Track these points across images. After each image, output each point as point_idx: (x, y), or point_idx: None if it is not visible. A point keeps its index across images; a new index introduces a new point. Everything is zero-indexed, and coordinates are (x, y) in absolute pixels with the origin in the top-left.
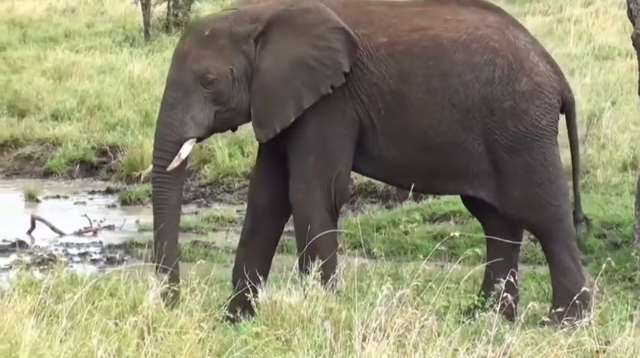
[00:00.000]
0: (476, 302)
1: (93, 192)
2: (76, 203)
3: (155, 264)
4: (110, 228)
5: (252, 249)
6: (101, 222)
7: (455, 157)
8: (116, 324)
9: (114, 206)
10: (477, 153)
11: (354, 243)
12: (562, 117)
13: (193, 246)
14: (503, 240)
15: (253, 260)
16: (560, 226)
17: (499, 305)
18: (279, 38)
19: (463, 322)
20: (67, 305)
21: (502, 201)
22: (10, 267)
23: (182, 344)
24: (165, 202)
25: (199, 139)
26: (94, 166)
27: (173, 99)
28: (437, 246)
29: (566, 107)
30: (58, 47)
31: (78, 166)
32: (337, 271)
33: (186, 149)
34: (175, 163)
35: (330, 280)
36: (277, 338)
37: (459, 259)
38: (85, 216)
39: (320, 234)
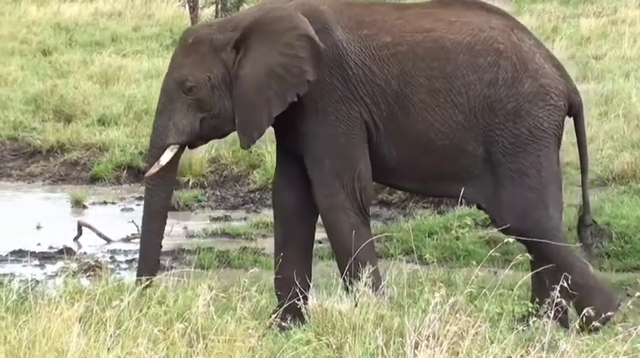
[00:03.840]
0: (530, 309)
1: (140, 198)
2: (123, 209)
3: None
4: None
5: (288, 255)
6: None
7: (456, 159)
8: (164, 332)
9: None
10: (476, 155)
11: (405, 248)
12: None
13: (242, 252)
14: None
15: (293, 266)
16: (549, 230)
17: (553, 312)
18: (255, 46)
19: (517, 329)
20: (114, 313)
21: (492, 204)
22: (57, 274)
23: (232, 353)
24: (147, 207)
25: (191, 146)
26: (142, 172)
27: (161, 105)
28: (490, 252)
29: (574, 110)
30: (104, 51)
31: (125, 172)
32: (376, 270)
33: (165, 156)
34: (153, 169)
35: (373, 283)
36: (328, 346)
37: (511, 264)
38: (133, 222)
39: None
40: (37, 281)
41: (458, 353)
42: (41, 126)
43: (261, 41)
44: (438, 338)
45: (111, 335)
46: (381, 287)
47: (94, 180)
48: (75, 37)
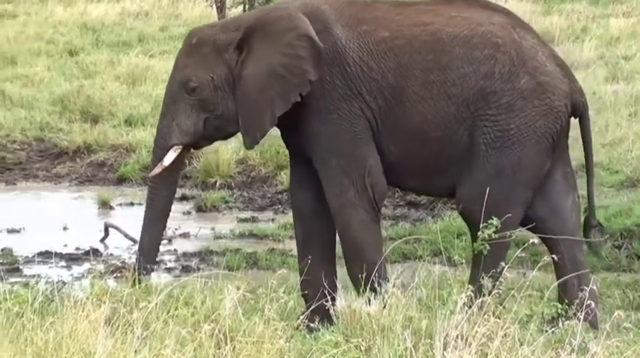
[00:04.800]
0: (559, 310)
1: None
2: None
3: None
4: (185, 235)
5: (312, 255)
6: (176, 229)
7: (447, 151)
8: (192, 333)
9: (189, 213)
10: (462, 145)
11: (434, 250)
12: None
13: (270, 253)
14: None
15: (318, 266)
16: (502, 235)
17: (583, 313)
18: (257, 46)
19: (546, 331)
20: (141, 315)
21: (460, 189)
22: (84, 276)
23: (260, 354)
24: (150, 206)
25: (195, 147)
26: None
27: (165, 106)
28: (517, 252)
29: (578, 111)
30: (131, 51)
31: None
32: (383, 268)
33: (169, 156)
34: (157, 170)
35: (374, 281)
36: (356, 347)
37: (539, 265)
38: None
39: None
40: (64, 283)
41: (487, 354)
42: (68, 127)
43: (263, 41)
44: (467, 340)
45: (138, 337)
46: (385, 285)
47: (121, 181)
48: (102, 37)
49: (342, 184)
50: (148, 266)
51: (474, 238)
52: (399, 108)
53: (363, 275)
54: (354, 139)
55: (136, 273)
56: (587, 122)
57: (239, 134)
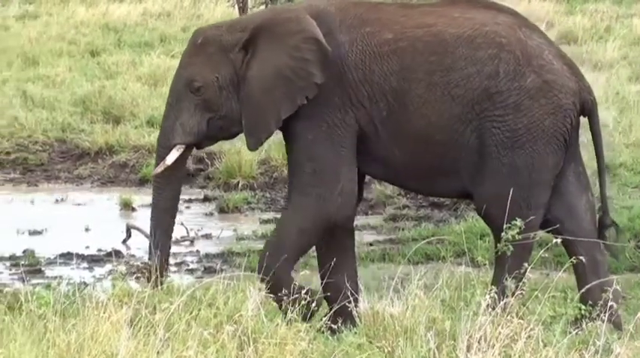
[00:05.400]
0: (583, 312)
1: (190, 200)
2: None
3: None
4: (207, 236)
5: (332, 257)
6: (198, 230)
7: (453, 153)
8: (214, 335)
9: (211, 214)
10: (470, 147)
11: (457, 251)
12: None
13: None
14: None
15: (338, 270)
16: (524, 231)
17: (607, 315)
18: (263, 47)
19: (570, 332)
20: (163, 316)
21: (477, 195)
22: (106, 277)
23: (282, 356)
24: (155, 206)
25: (198, 146)
26: (191, 174)
27: (169, 105)
28: (540, 253)
29: (587, 109)
30: (153, 52)
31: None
32: (288, 278)
33: (171, 155)
34: (159, 169)
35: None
36: (379, 349)
37: (565, 267)
38: (182, 224)
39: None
40: (86, 284)
41: (510, 356)
42: (89, 128)
43: (270, 43)
44: (490, 341)
45: (160, 339)
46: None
47: (143, 182)
48: (123, 37)
49: (307, 191)
50: (160, 267)
51: (496, 240)
52: (402, 111)
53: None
54: (337, 155)
55: (153, 275)
56: (597, 120)
57: None
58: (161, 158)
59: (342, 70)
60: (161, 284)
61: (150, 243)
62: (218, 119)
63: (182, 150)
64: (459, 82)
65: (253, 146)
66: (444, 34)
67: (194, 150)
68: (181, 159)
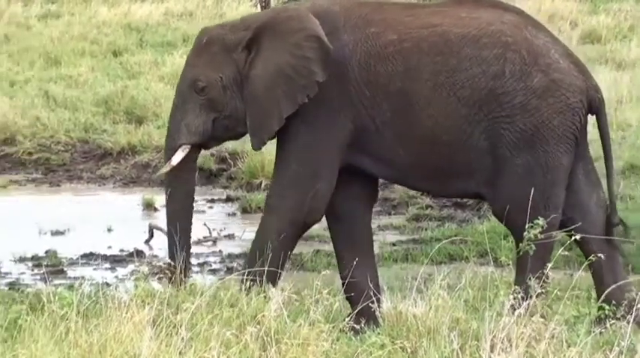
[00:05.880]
0: (607, 311)
1: (212, 201)
2: (194, 211)
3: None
4: (230, 237)
5: (354, 257)
6: (221, 231)
7: (461, 154)
8: (237, 335)
9: (234, 214)
10: (480, 148)
11: (480, 251)
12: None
13: (316, 255)
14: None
15: (361, 268)
16: (542, 236)
17: (632, 315)
18: (266, 46)
19: (594, 332)
20: (186, 316)
21: (494, 196)
22: (128, 278)
23: (305, 356)
24: (167, 207)
25: (204, 147)
26: (214, 174)
27: (174, 106)
28: (559, 251)
29: (594, 108)
30: (175, 52)
31: (197, 174)
32: (276, 277)
33: (177, 156)
34: (165, 169)
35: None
36: (402, 349)
37: (584, 265)
38: (205, 224)
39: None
40: (108, 285)
41: (534, 356)
42: (112, 128)
43: (272, 41)
44: (514, 341)
45: (183, 339)
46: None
47: None
48: (146, 37)
49: (286, 189)
50: (182, 268)
51: (517, 241)
52: (408, 112)
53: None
54: (322, 157)
55: (174, 275)
56: (605, 119)
57: None
58: (168, 159)
59: (344, 70)
60: (183, 284)
61: (168, 245)
62: (223, 119)
63: (187, 150)
64: (465, 82)
65: (257, 145)
66: (449, 35)
67: (214, 151)
68: (189, 160)
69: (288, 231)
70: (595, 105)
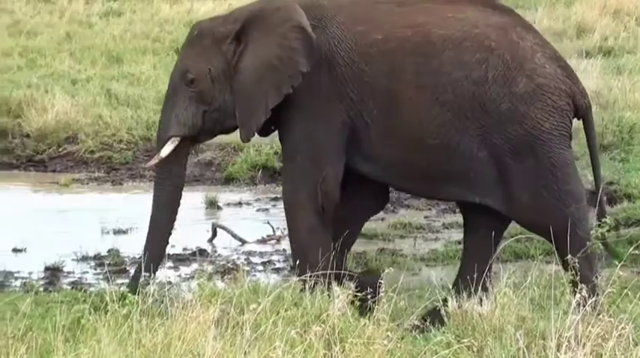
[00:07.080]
0: None
1: (276, 199)
2: (258, 210)
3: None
4: None
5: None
6: (284, 229)
7: (449, 160)
8: (301, 335)
9: None
10: (477, 158)
11: (546, 249)
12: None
13: (380, 253)
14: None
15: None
16: (573, 232)
17: None
18: (254, 38)
19: None
20: (250, 316)
21: (511, 207)
22: (192, 277)
23: (370, 355)
24: (155, 200)
25: (196, 140)
26: (277, 172)
27: (166, 98)
28: (630, 250)
29: (580, 113)
30: None
31: (260, 172)
32: (328, 275)
33: (166, 148)
34: (152, 161)
35: (315, 284)
36: (468, 348)
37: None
38: (268, 223)
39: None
40: (172, 284)
41: (601, 355)
42: None
43: (260, 33)
44: (581, 340)
45: (247, 339)
46: (316, 284)
47: (229, 180)
48: None
49: (296, 183)
50: (155, 262)
51: (557, 247)
52: (392, 112)
53: (308, 277)
54: (324, 142)
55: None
56: (592, 124)
57: None
58: (158, 151)
59: (330, 65)
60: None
61: (146, 239)
62: (213, 111)
63: (177, 142)
64: (447, 86)
65: (245, 137)
66: (432, 36)
67: (278, 149)
68: (179, 154)
69: (314, 222)
70: (581, 110)
